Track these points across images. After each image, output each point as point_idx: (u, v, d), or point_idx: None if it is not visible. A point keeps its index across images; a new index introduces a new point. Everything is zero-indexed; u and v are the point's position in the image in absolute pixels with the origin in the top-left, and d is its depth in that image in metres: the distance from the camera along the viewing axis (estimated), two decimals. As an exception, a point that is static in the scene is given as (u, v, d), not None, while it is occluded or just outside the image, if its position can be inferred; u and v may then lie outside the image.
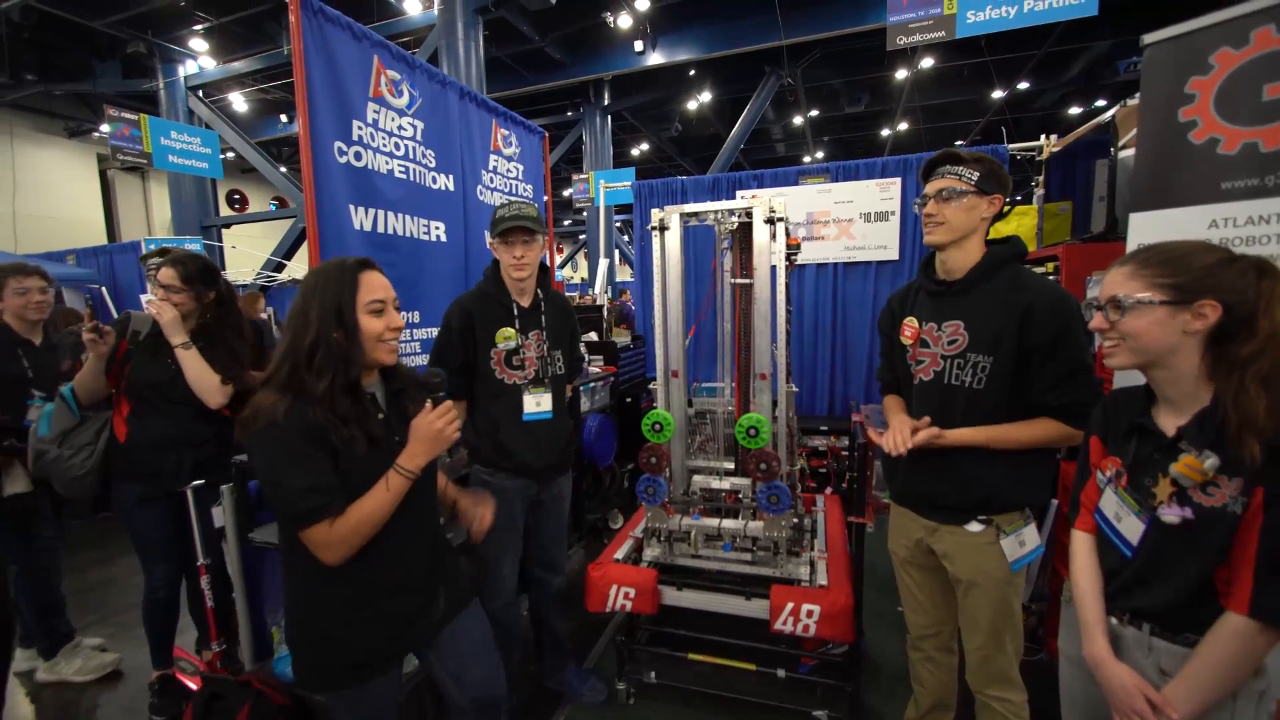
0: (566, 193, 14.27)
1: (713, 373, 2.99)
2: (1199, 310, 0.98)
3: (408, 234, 2.57)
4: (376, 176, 2.38)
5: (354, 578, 1.23)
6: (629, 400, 3.81)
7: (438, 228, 2.74)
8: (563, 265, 20.53)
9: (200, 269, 2.07)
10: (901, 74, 11.24)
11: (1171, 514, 1.00)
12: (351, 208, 2.27)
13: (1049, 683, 1.44)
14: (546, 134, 3.60)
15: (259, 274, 10.16)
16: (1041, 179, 3.66)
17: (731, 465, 2.25)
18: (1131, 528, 1.07)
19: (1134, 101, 2.88)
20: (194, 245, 7.77)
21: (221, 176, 8.08)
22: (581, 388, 3.19)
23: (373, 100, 2.33)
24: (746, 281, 2.12)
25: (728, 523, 2.04)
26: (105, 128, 7.23)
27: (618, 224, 15.88)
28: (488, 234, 2.05)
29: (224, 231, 11.24)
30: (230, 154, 11.71)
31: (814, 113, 13.94)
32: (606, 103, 11.89)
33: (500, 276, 1.98)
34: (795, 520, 2.13)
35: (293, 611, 1.28)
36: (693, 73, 11.43)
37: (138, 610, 2.22)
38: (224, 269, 10.29)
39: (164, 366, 2.04)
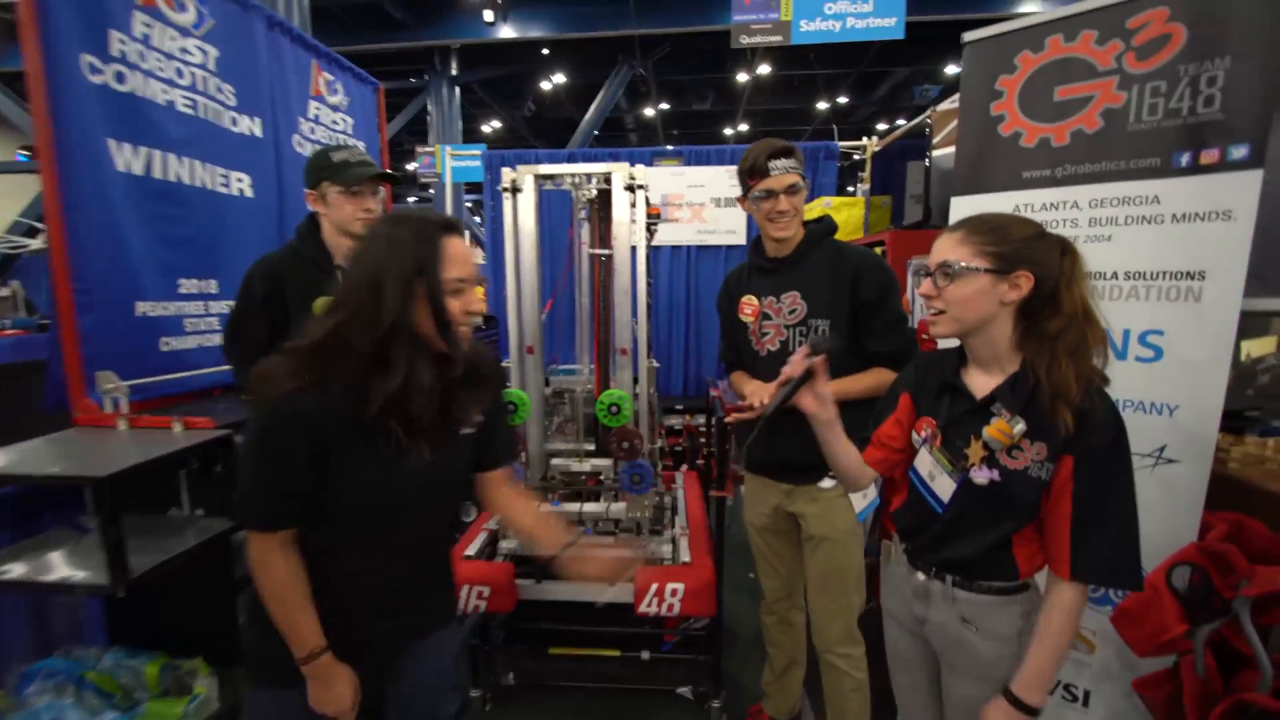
0: (410, 166, 13.19)
1: (570, 354, 2.88)
2: (1015, 280, 1.02)
3: (199, 184, 2.10)
4: (151, 107, 1.91)
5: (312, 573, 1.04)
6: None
7: (241, 180, 2.29)
8: (406, 246, 19.01)
9: None
10: (743, 77, 11.95)
11: (981, 476, 1.06)
12: (112, 144, 1.78)
13: (880, 631, 1.53)
14: (382, 86, 3.19)
15: (1, 239, 8.06)
16: (867, 175, 4.03)
17: (592, 446, 2.15)
18: (944, 486, 1.12)
19: (943, 108, 3.24)
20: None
21: (-68, 112, 6.22)
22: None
23: (141, 9, 1.85)
24: (606, 253, 2.02)
25: (589, 506, 1.94)
26: None
27: (468, 204, 15.05)
28: (311, 186, 1.72)
29: (-59, 185, 8.75)
30: (-52, 87, 9.10)
31: (665, 106, 14.31)
32: (455, 73, 11.12)
33: (320, 235, 1.67)
34: (656, 499, 2.09)
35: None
36: (546, 52, 11.10)
37: None
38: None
39: None
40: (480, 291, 1.03)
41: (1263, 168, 1.36)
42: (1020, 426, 1.02)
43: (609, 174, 1.89)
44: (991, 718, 1.06)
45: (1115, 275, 1.56)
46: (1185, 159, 1.46)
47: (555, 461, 2.07)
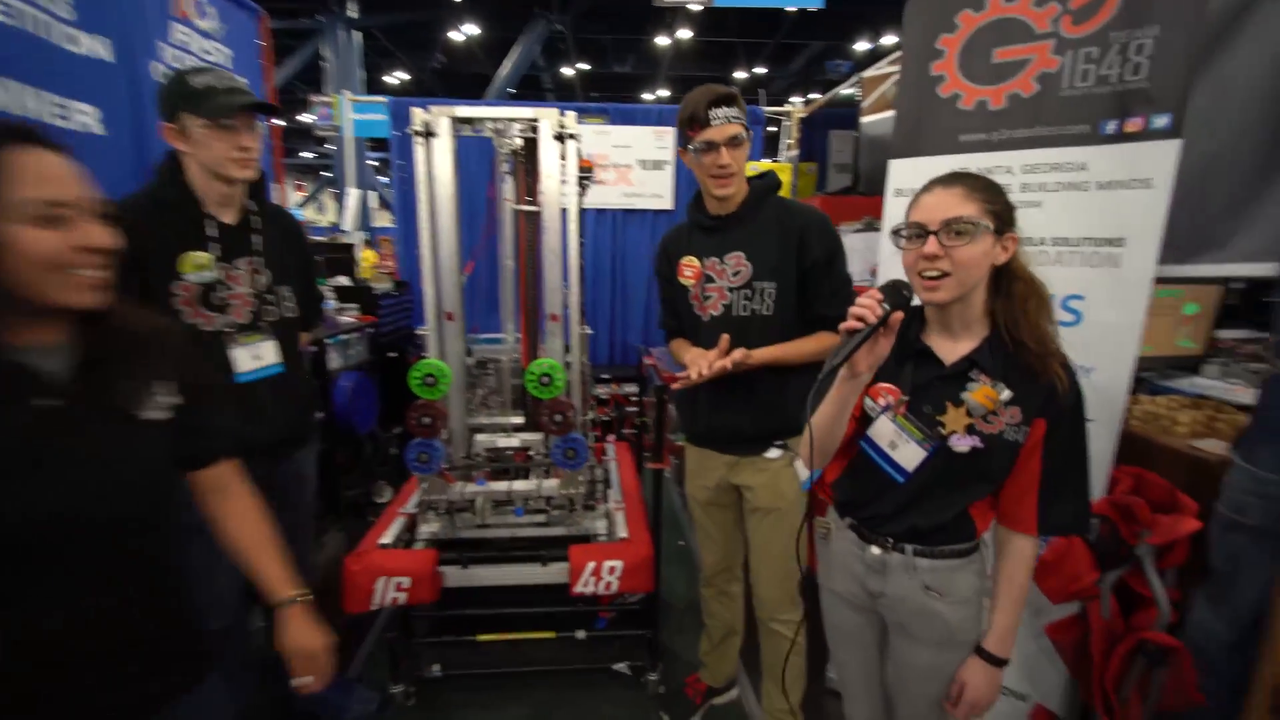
0: (305, 118, 11.98)
1: (492, 321, 2.68)
2: (1005, 242, 0.99)
3: (26, 114, 1.71)
4: (-53, 12, 1.51)
5: None
6: (392, 355, 3.28)
7: (84, 112, 1.89)
8: (304, 205, 17.45)
9: None
10: (663, 40, 11.71)
11: (963, 444, 1.03)
12: (-111, 52, 1.40)
13: (810, 594, 1.53)
14: (265, 14, 2.77)
15: None
16: (794, 140, 4.03)
17: (520, 419, 2.01)
18: (909, 455, 1.07)
19: (870, 73, 3.26)
20: None
21: None
22: (330, 340, 2.61)
23: (-76, -121, 1.45)
24: (533, 209, 1.85)
25: (519, 484, 1.81)
26: None
27: (373, 163, 13.96)
28: (167, 118, 1.43)
29: None
30: None
31: (584, 66, 13.81)
32: (353, 15, 10.11)
33: (183, 178, 1.40)
34: (590, 473, 1.99)
35: None
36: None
37: None
38: None
39: None
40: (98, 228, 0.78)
41: (1181, 137, 1.41)
42: (1006, 394, 1.00)
43: (535, 121, 1.71)
44: (971, 679, 1.07)
45: (1044, 241, 1.59)
46: (1112, 126, 1.49)
47: (480, 437, 1.92)
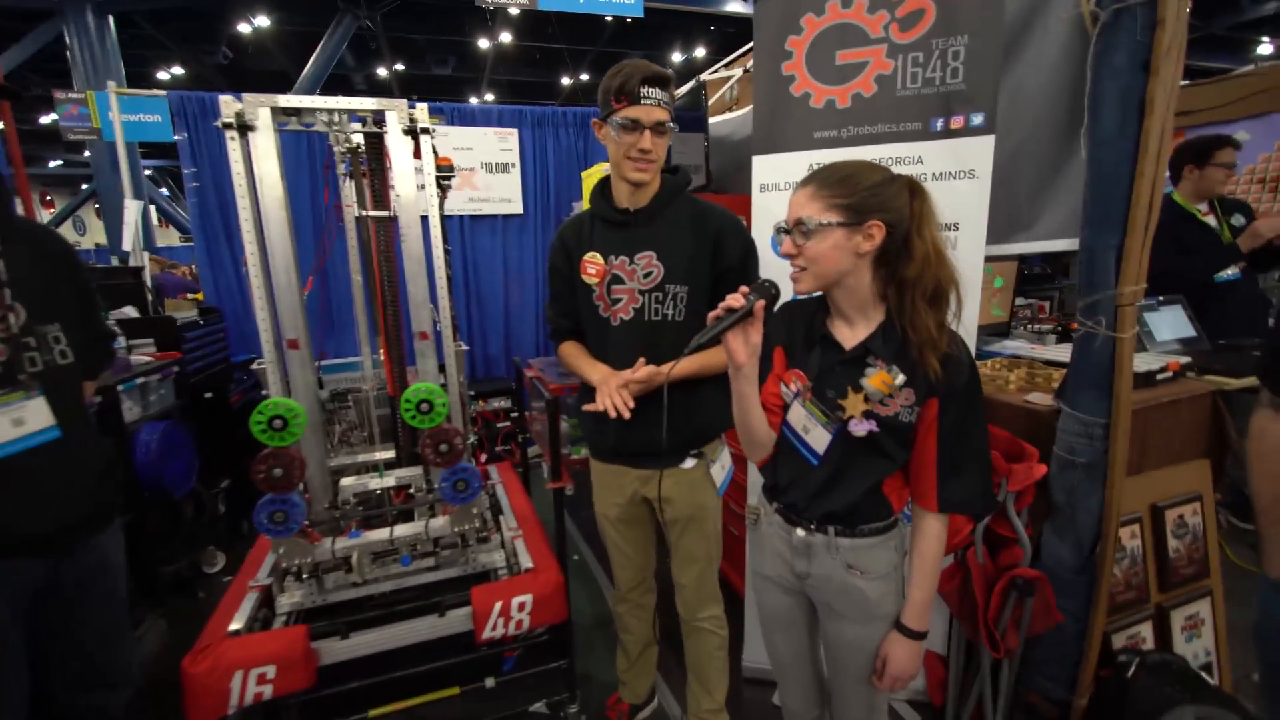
0: (49, 119, 9.76)
1: (336, 345, 2.35)
2: (868, 231, 1.00)
3: None
4: None
5: None
6: (208, 395, 2.75)
7: None
8: (58, 223, 14.21)
9: None
10: (484, 43, 11.35)
11: (860, 428, 1.06)
12: None
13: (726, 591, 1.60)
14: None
15: None
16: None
17: (391, 454, 1.77)
18: (819, 438, 1.10)
19: (709, 76, 3.39)
20: None
21: None
22: (123, 386, 2.09)
23: None
24: (386, 215, 1.63)
25: (402, 529, 1.58)
26: None
27: (148, 172, 11.83)
28: None
29: None
30: None
31: (400, 67, 12.93)
32: (102, -3, 8.40)
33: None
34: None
35: None
36: (241, -14, 9.06)
37: None
38: None
39: None
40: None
41: (994, 133, 1.61)
42: (901, 378, 1.02)
43: (381, 112, 1.50)
44: (893, 652, 1.10)
45: (895, 228, 1.74)
46: (939, 124, 1.66)
47: (345, 482, 1.65)
